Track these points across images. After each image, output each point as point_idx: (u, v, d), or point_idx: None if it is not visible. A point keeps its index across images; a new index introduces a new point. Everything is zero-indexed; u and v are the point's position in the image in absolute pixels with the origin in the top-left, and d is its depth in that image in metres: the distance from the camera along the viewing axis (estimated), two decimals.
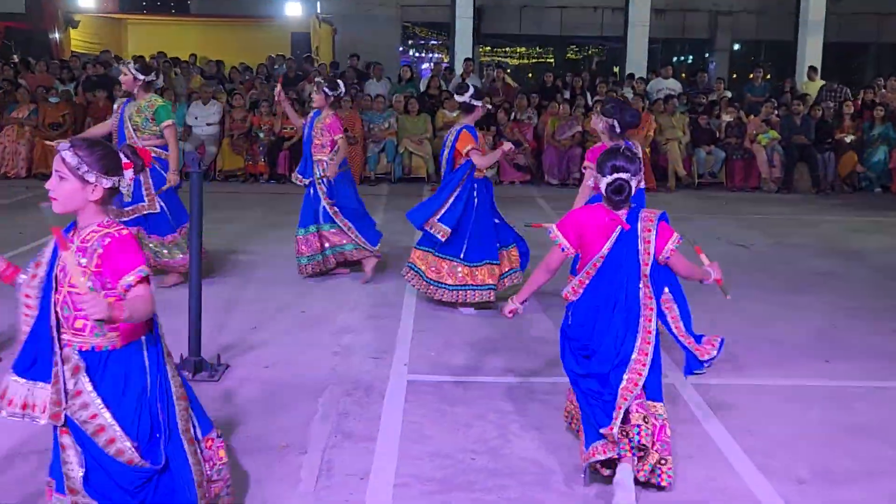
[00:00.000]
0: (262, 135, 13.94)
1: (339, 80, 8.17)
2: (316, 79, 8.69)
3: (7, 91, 14.53)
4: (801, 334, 6.56)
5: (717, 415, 4.94)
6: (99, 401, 2.97)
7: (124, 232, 3.05)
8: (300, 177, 7.78)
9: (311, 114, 7.79)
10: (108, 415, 2.97)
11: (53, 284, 2.99)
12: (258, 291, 7.41)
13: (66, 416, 2.97)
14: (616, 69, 22.88)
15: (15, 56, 18.28)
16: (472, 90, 6.95)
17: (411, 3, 23.79)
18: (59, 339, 2.99)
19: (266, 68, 17.10)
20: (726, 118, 14.94)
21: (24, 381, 3.00)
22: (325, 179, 7.54)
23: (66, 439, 3.03)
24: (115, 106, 7.40)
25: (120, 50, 19.96)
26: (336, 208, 7.57)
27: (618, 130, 5.48)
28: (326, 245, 7.65)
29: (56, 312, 2.98)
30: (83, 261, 2.96)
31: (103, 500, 3.02)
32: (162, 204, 7.10)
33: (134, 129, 7.09)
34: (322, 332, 6.38)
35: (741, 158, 14.55)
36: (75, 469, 3.02)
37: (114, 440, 2.98)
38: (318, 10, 21.74)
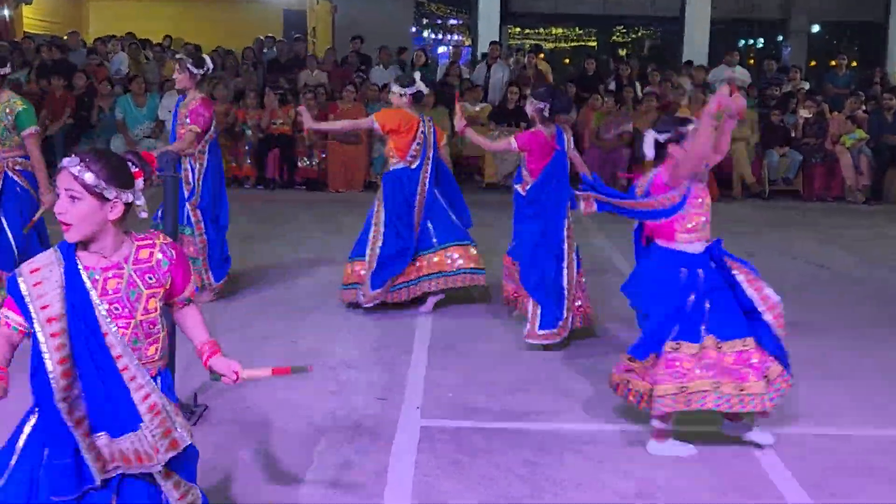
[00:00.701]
0: (248, 131, 14.01)
1: (205, 56, 8.19)
2: (177, 55, 8.71)
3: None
4: (893, 375, 6.50)
5: (793, 471, 4.89)
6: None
7: (169, 240, 3.31)
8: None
9: (177, 98, 7.89)
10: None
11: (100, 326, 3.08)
12: (241, 318, 7.44)
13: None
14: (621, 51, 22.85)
15: None
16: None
17: None
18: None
19: (253, 52, 17.20)
20: (804, 114, 14.91)
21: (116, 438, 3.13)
22: (193, 178, 7.63)
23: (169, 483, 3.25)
24: None
25: (81, 30, 20.08)
26: (199, 211, 7.69)
27: (547, 115, 6.70)
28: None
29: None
30: (151, 281, 3.17)
31: None
32: (9, 233, 6.94)
33: None
34: (318, 366, 6.32)
35: (822, 162, 14.54)
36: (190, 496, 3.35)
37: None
38: None
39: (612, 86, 16.02)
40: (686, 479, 4.81)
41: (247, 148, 13.93)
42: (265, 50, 17.66)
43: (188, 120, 7.50)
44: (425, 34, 26.51)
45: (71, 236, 3.03)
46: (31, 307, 3.02)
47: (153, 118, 14.24)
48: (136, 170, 3.19)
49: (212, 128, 7.68)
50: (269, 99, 14.40)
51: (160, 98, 14.44)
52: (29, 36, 18.39)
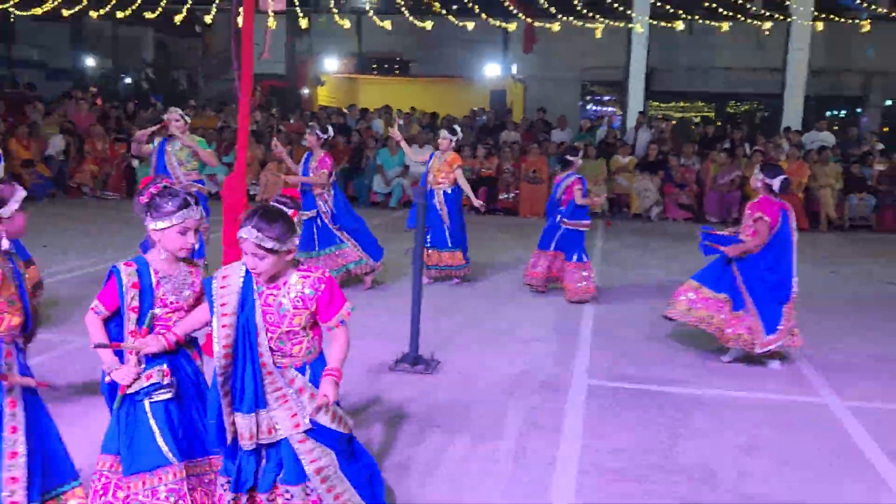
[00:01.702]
0: (467, 173, 14.14)
1: (329, 126, 8.18)
2: (310, 122, 8.70)
3: (271, 135, 15.42)
4: None
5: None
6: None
7: (327, 273, 3.03)
8: (304, 212, 7.61)
9: (305, 155, 7.82)
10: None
11: (257, 328, 2.93)
12: (461, 303, 7.50)
13: (311, 420, 2.97)
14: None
15: (274, 109, 19.42)
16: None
17: (590, 66, 23.60)
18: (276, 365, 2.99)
19: (470, 119, 17.41)
20: (879, 168, 13.93)
21: (246, 415, 2.96)
22: (328, 209, 7.60)
23: (305, 445, 2.98)
24: (154, 143, 7.44)
25: (356, 102, 20.86)
26: (341, 230, 7.64)
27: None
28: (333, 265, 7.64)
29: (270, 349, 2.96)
30: (298, 304, 2.94)
31: (357, 476, 3.08)
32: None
33: (178, 164, 7.27)
34: (514, 339, 6.39)
35: (893, 204, 13.48)
36: (323, 459, 2.99)
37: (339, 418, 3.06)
38: (513, 72, 21.93)
39: (727, 144, 15.37)
40: (788, 436, 4.59)
41: None
42: (477, 117, 17.83)
43: (321, 167, 7.54)
44: (588, 107, 26.15)
45: (261, 278, 2.92)
46: (214, 302, 2.94)
47: (401, 164, 14.54)
48: (292, 210, 2.97)
49: (334, 171, 7.65)
50: (480, 153, 14.54)
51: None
52: (322, 108, 19.15)
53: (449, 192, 8.06)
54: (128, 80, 23.48)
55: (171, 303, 3.11)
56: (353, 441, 3.16)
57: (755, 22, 16.96)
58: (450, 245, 8.09)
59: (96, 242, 9.64)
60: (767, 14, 17.28)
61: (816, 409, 5.02)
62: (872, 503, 3.85)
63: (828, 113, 22.40)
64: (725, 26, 16.54)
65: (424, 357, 5.50)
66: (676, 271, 8.59)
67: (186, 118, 7.46)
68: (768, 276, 5.61)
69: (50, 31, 21.17)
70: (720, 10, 16.42)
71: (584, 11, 16.73)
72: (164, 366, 3.07)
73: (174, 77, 23.65)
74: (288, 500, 3.00)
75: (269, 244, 2.83)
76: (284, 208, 2.94)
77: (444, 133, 8.23)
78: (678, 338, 6.45)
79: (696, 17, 16.92)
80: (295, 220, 2.95)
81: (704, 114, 27.88)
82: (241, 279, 2.95)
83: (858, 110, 22.99)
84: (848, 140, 16.30)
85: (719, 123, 21.81)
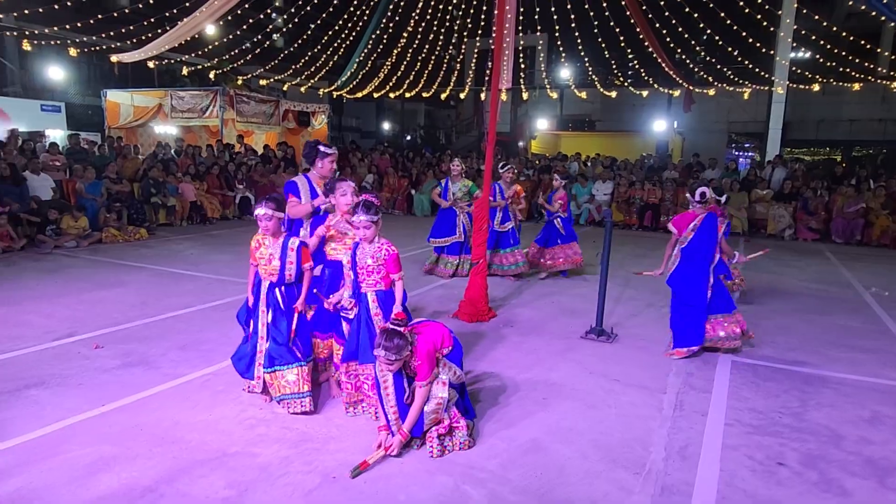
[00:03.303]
0: (637, 201, 13.60)
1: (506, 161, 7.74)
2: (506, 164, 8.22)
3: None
4: None
5: None
6: None
7: (418, 361, 3.19)
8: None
9: (444, 181, 7.51)
10: None
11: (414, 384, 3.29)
12: (634, 292, 7.19)
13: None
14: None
15: (500, 155, 19.78)
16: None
17: (735, 120, 21.67)
18: None
19: (640, 162, 16.62)
20: None
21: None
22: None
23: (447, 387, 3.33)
24: (441, 183, 7.46)
25: (559, 150, 20.70)
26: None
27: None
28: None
29: None
30: (414, 374, 3.22)
31: (462, 404, 3.53)
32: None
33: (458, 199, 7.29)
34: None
35: None
36: (451, 393, 3.36)
37: None
38: (675, 126, 20.64)
39: (853, 181, 13.35)
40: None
41: (634, 209, 13.46)
42: (645, 161, 16.96)
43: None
44: (734, 151, 23.96)
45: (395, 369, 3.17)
46: (379, 379, 3.23)
47: (589, 193, 14.20)
48: (404, 327, 3.08)
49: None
50: (646, 186, 13.84)
51: (593, 183, 14.36)
52: (534, 154, 19.23)
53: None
54: (408, 137, 25.13)
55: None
56: (464, 385, 3.52)
57: (883, 81, 14.60)
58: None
59: None
60: (894, 74, 14.80)
61: None
62: None
63: None
64: (857, 86, 14.42)
65: (606, 330, 5.39)
66: (804, 278, 7.71)
67: (463, 165, 7.51)
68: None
69: (363, 107, 23.26)
70: (852, 73, 14.34)
71: (734, 78, 15.36)
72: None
73: (437, 135, 24.94)
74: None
75: (393, 357, 3.05)
76: (398, 328, 3.09)
77: (503, 169, 7.36)
78: (807, 327, 5.79)
79: (830, 79, 14.87)
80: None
81: (831, 157, 24.48)
82: None
83: None
84: None
85: (844, 164, 19.07)
